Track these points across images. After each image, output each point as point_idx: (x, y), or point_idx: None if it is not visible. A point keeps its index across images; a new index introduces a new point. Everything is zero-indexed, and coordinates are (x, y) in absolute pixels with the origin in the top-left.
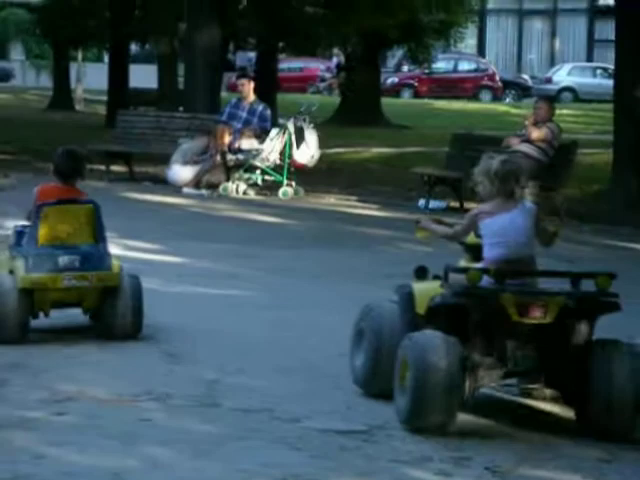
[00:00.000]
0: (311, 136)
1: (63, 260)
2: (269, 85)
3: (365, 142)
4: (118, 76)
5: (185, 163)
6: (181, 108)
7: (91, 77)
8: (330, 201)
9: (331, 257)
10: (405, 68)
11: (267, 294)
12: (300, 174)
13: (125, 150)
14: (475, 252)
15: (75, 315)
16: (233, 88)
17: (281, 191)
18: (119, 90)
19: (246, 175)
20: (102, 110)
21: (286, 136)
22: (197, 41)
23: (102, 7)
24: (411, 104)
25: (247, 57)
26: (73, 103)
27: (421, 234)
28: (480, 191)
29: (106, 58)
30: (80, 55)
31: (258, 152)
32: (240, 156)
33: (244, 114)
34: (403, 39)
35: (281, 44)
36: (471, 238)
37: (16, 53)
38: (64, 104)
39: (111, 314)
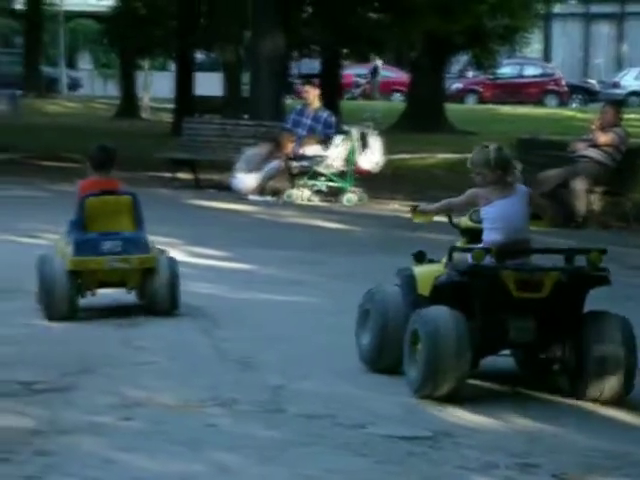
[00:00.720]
0: (375, 142)
1: (106, 245)
2: (333, 92)
3: (429, 148)
4: (184, 84)
5: (250, 170)
6: (246, 115)
7: (157, 85)
8: (394, 207)
9: (395, 264)
10: (470, 74)
11: (331, 300)
12: (364, 180)
13: (190, 157)
14: (470, 235)
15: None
16: (297, 95)
17: (345, 197)
18: (185, 98)
19: (310, 182)
20: (168, 118)
21: (350, 143)
22: (262, 49)
23: (168, 16)
24: (476, 110)
25: (312, 65)
26: (139, 111)
27: (419, 218)
28: (479, 181)
29: (172, 66)
30: (146, 64)
31: (322, 159)
32: (304, 163)
33: (308, 121)
34: (468, 45)
35: (345, 51)
36: (465, 222)
37: (84, 62)
38: (131, 112)
39: (151, 292)
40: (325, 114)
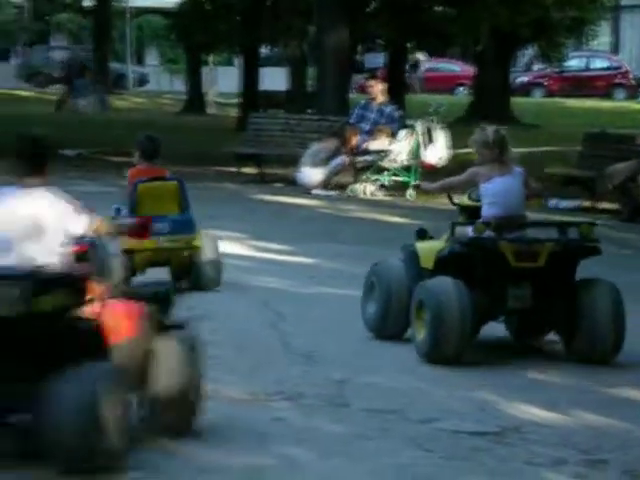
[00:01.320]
0: (440, 136)
1: (157, 227)
2: (398, 86)
3: None
4: (249, 79)
5: (315, 165)
6: (310, 110)
7: (222, 81)
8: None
9: None
10: (536, 67)
11: None
12: (429, 174)
13: (256, 152)
14: (469, 212)
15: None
16: (362, 90)
17: (409, 192)
18: (250, 93)
19: (374, 176)
20: (232, 113)
21: (415, 137)
22: (326, 43)
23: (233, 12)
24: (542, 103)
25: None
26: (205, 107)
27: (423, 195)
28: (479, 160)
29: (236, 62)
30: (212, 59)
31: (386, 153)
32: (368, 157)
33: (373, 115)
34: (534, 37)
35: (410, 44)
36: (464, 200)
37: (151, 58)
38: (197, 108)
39: (196, 270)
40: (389, 108)
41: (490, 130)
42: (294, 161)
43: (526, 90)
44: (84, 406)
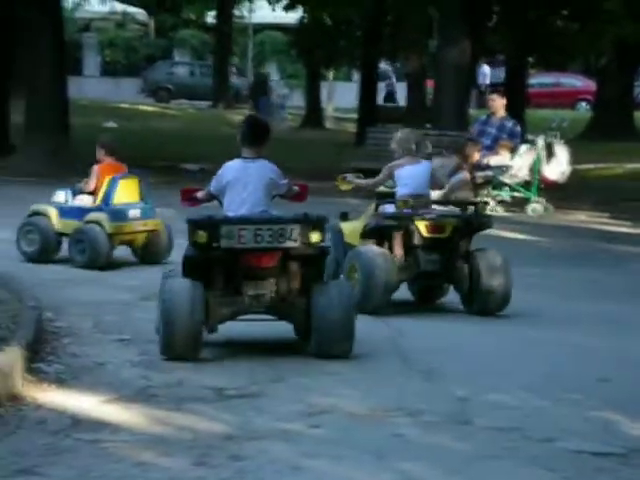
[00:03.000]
0: (562, 152)
1: (131, 213)
2: (519, 101)
3: (617, 157)
4: (367, 94)
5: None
6: (429, 125)
7: (340, 95)
8: (581, 218)
9: (582, 275)
10: None
11: (518, 312)
12: (550, 190)
13: (375, 167)
14: (384, 197)
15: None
16: (481, 104)
17: (530, 208)
18: (368, 107)
19: (495, 192)
20: (350, 128)
21: (536, 152)
22: (447, 57)
23: (354, 27)
24: None
25: (483, 72)
26: (324, 121)
27: (344, 186)
28: (398, 155)
29: (354, 77)
30: (331, 74)
31: (507, 169)
32: (489, 173)
33: (493, 130)
34: None
35: (531, 59)
36: (381, 188)
37: (272, 73)
38: (315, 122)
39: (155, 249)
40: (510, 123)
41: (403, 131)
42: None
43: None
44: (348, 305)
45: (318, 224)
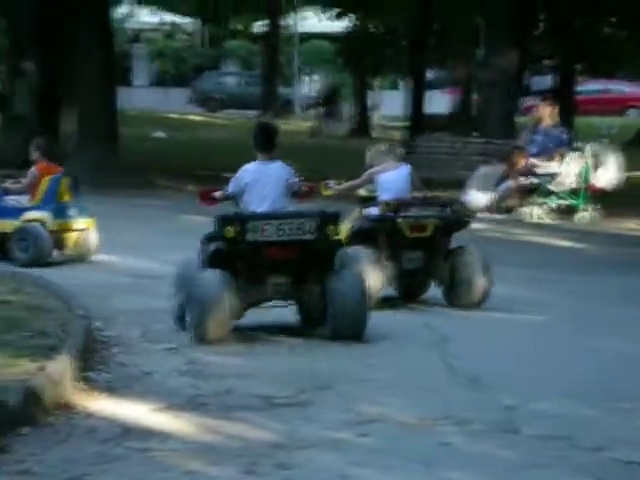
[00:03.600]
0: (611, 159)
1: (70, 212)
2: (567, 108)
3: None
4: (415, 102)
5: (481, 188)
6: (475, 133)
7: (386, 104)
8: (629, 226)
9: (631, 283)
10: None
11: (564, 320)
12: (597, 198)
13: (422, 175)
14: (365, 201)
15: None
16: (527, 112)
17: (578, 215)
18: (415, 116)
19: (542, 199)
20: (396, 136)
21: (584, 160)
22: (495, 66)
23: (400, 35)
24: None
25: (543, 81)
26: (370, 130)
27: (327, 192)
28: (378, 163)
29: (400, 85)
30: (377, 83)
31: (554, 176)
32: (536, 180)
33: (541, 138)
34: None
35: (578, 66)
36: (361, 192)
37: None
38: (362, 131)
39: (87, 245)
40: (558, 131)
41: (381, 145)
42: (459, 184)
43: None
44: (360, 291)
45: (334, 219)
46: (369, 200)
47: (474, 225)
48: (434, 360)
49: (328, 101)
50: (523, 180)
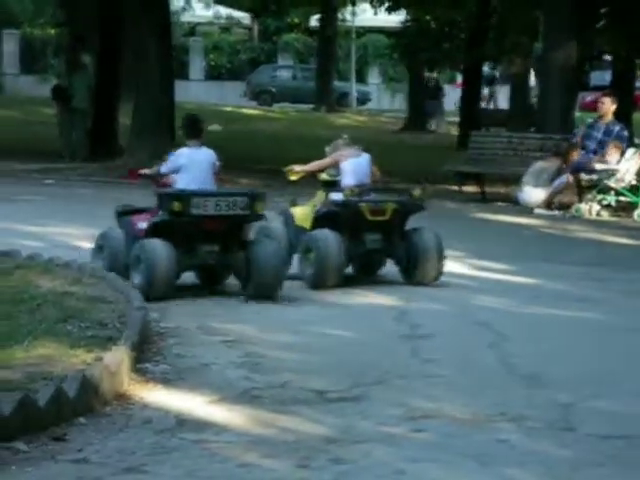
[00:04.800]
0: None
1: None
2: (626, 104)
3: None
4: (471, 97)
5: (537, 184)
6: (533, 128)
7: (446, 99)
8: None
9: None
10: None
11: (621, 317)
12: None
13: (477, 171)
14: (327, 185)
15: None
16: (586, 107)
17: (636, 213)
18: (472, 111)
19: (600, 196)
20: (453, 131)
21: None
22: (553, 60)
23: (458, 30)
24: None
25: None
26: (426, 124)
27: (294, 177)
28: (336, 153)
29: (458, 79)
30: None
31: (613, 173)
32: (594, 176)
33: (599, 135)
34: None
35: (639, 61)
36: (324, 177)
37: (373, 77)
38: (418, 125)
39: None
40: (617, 127)
41: (341, 139)
42: (516, 180)
43: None
44: (278, 257)
45: (261, 197)
46: (331, 184)
47: (531, 221)
48: (490, 356)
49: (429, 96)
50: (583, 176)
